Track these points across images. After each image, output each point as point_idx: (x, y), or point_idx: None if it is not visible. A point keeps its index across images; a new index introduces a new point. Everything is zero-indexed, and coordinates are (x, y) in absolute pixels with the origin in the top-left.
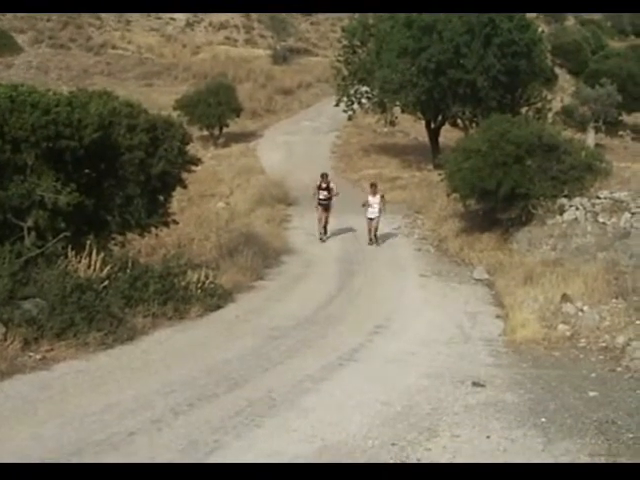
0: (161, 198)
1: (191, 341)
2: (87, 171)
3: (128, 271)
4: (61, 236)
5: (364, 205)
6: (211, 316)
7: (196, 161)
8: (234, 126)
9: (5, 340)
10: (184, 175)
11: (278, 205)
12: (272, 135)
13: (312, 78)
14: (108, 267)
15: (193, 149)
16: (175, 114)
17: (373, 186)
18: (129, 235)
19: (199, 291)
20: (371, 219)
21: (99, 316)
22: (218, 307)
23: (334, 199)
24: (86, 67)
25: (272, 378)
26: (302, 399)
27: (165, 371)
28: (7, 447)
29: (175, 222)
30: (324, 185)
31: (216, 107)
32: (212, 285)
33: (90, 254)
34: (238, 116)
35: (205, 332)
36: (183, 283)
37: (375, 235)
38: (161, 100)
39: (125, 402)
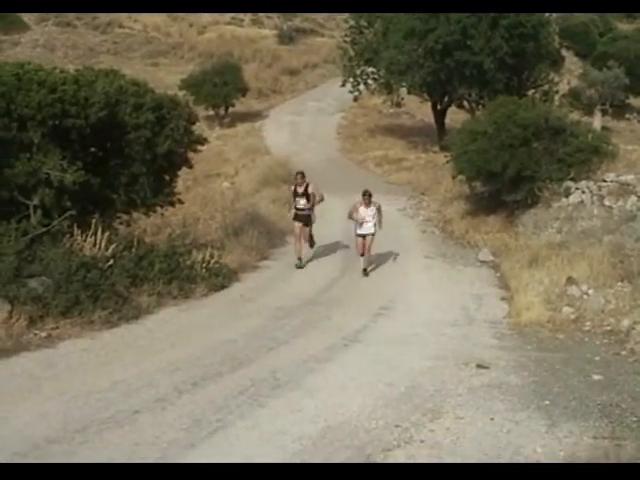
0: (167, 177)
1: (196, 320)
2: (93, 150)
3: (133, 250)
4: (67, 214)
5: (352, 218)
6: (216, 295)
7: (202, 141)
8: (240, 106)
9: (11, 318)
10: (190, 154)
11: (283, 185)
12: (278, 115)
13: (318, 58)
14: (113, 246)
15: (199, 129)
16: (181, 93)
17: (366, 195)
18: (134, 214)
19: (204, 270)
20: (363, 236)
21: (104, 295)
22: (223, 287)
23: (317, 208)
24: (92, 46)
25: (276, 358)
26: (306, 379)
27: (170, 350)
28: (13, 424)
29: (180, 201)
30: (301, 190)
31: (222, 87)
32: (217, 265)
33: (96, 233)
34: (244, 96)
35: (210, 311)
36: (188, 262)
37: (368, 260)
38: (167, 79)
39: (130, 380)
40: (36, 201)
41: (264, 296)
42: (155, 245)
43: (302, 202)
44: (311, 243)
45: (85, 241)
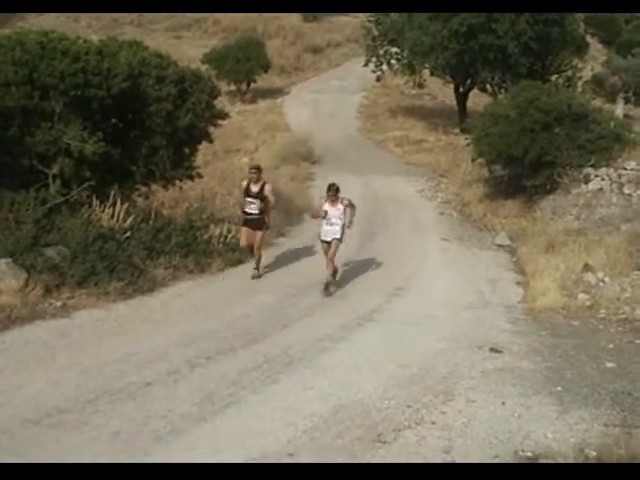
0: (186, 151)
1: (211, 295)
2: (114, 121)
3: (151, 222)
4: (85, 185)
5: (315, 217)
6: (232, 271)
7: (223, 115)
8: (262, 82)
9: (27, 286)
10: (210, 129)
11: (303, 163)
12: (299, 93)
13: (342, 37)
14: (131, 218)
15: (220, 103)
16: (204, 68)
17: (332, 190)
18: (153, 187)
19: (221, 245)
20: (327, 242)
21: (120, 266)
22: (239, 262)
23: (273, 214)
24: (116, 17)
25: (290, 335)
26: (319, 358)
27: (184, 323)
28: (26, 392)
29: (199, 176)
30: (255, 189)
31: (245, 62)
32: (234, 240)
33: (114, 204)
34: (266, 72)
35: (225, 286)
36: (205, 237)
37: (334, 271)
38: (190, 53)
39: (143, 352)
40: (55, 170)
41: (280, 273)
42: (173, 218)
43: (254, 205)
44: (258, 262)
45: (103, 212)
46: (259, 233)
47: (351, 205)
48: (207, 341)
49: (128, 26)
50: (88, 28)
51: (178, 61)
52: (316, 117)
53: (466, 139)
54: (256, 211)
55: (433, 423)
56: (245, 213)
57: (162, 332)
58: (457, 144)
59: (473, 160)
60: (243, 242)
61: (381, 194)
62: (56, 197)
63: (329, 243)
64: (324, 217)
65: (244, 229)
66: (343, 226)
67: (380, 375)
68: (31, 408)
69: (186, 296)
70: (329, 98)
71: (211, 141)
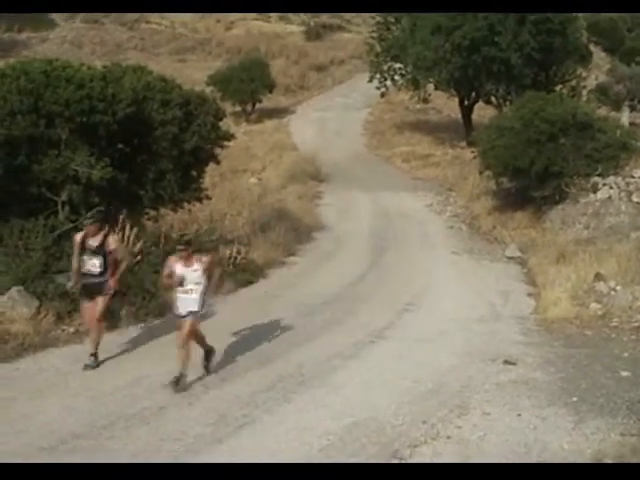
0: (194, 173)
1: (222, 316)
2: (120, 146)
3: (161, 246)
4: (94, 211)
5: (166, 286)
6: (242, 291)
7: (229, 137)
8: (267, 102)
9: (39, 314)
10: (217, 150)
11: (310, 181)
12: (305, 111)
13: (345, 55)
14: (141, 242)
15: (226, 125)
16: (208, 90)
17: (183, 246)
18: (162, 210)
19: (231, 267)
20: (183, 317)
21: (131, 290)
22: (250, 282)
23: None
24: (120, 42)
25: (302, 354)
26: (332, 376)
27: (196, 345)
28: (40, 419)
29: (207, 197)
30: (93, 243)
31: (249, 83)
32: (244, 261)
33: (123, 229)
34: (271, 92)
35: (236, 307)
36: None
37: (184, 361)
38: (194, 75)
39: (156, 376)
40: (64, 197)
41: (290, 292)
42: None
43: (93, 262)
44: (96, 343)
45: (112, 237)
46: (100, 298)
47: (212, 264)
48: (220, 362)
49: (132, 51)
50: (92, 54)
51: (183, 84)
52: (322, 135)
53: (472, 152)
54: (95, 271)
55: (449, 438)
56: (82, 274)
57: (174, 355)
58: (464, 157)
59: (480, 173)
60: (83, 314)
61: (390, 210)
62: (65, 224)
63: (184, 318)
64: (179, 282)
65: (84, 302)
66: (201, 296)
67: (393, 392)
68: (46, 435)
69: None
70: (335, 116)
71: (218, 162)
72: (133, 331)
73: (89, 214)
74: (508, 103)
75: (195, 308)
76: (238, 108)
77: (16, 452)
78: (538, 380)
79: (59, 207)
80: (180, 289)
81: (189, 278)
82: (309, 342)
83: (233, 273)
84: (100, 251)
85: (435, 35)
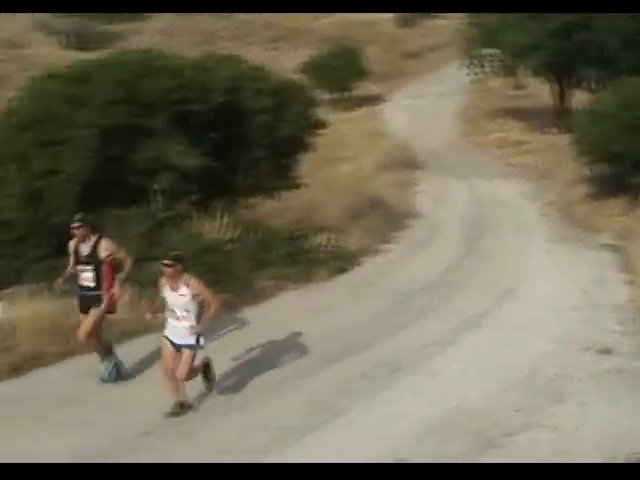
0: (287, 161)
1: (317, 304)
2: (214, 135)
3: (255, 234)
4: (190, 199)
5: (153, 313)
6: (337, 279)
7: (321, 125)
8: (359, 90)
9: (138, 300)
10: (309, 139)
11: (404, 169)
12: (397, 99)
13: (438, 41)
14: (235, 230)
15: (318, 113)
16: (301, 78)
17: (170, 265)
18: (256, 198)
19: (325, 254)
20: (174, 345)
21: (226, 278)
22: (344, 270)
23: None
24: (213, 31)
25: (397, 341)
26: (427, 363)
27: (290, 333)
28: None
29: (301, 185)
30: (86, 249)
31: (341, 70)
32: (338, 248)
33: (219, 217)
34: (363, 80)
35: (331, 295)
36: (309, 246)
37: (181, 399)
38: (287, 64)
39: (244, 362)
40: (160, 186)
41: (385, 280)
42: (276, 229)
43: (86, 274)
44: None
45: (207, 225)
46: (91, 318)
47: (203, 290)
48: (315, 350)
49: (224, 41)
50: (185, 45)
51: (275, 73)
52: (415, 122)
53: (567, 138)
54: (89, 282)
55: (544, 426)
56: (81, 288)
57: (268, 342)
58: (558, 144)
59: (575, 160)
60: (81, 335)
61: (484, 197)
62: (161, 212)
63: (176, 347)
64: (168, 308)
65: (82, 317)
66: (195, 324)
67: (489, 379)
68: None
69: (291, 306)
70: (428, 103)
71: (310, 150)
72: (227, 319)
73: (76, 216)
74: (604, 88)
75: (191, 342)
76: (330, 96)
77: None
78: (634, 369)
79: (155, 195)
80: (170, 314)
81: (177, 303)
82: (404, 329)
83: (327, 261)
84: (91, 260)
85: (529, 20)
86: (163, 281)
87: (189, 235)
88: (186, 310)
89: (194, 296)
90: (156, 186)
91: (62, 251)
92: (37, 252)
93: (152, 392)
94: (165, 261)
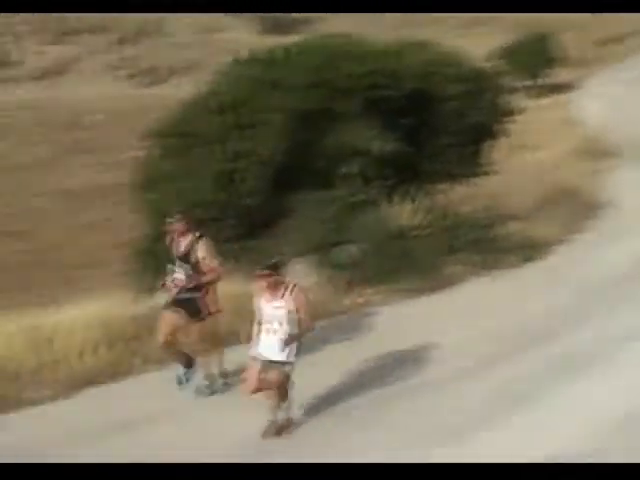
0: (476, 148)
1: (505, 291)
2: (405, 120)
3: (443, 220)
4: (384, 184)
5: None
6: (526, 267)
7: (512, 112)
8: (550, 77)
9: (329, 282)
10: (499, 126)
11: (598, 157)
12: (591, 86)
13: (632, 29)
14: (425, 216)
15: (510, 99)
16: (493, 64)
17: (268, 269)
18: (443, 185)
19: (514, 242)
20: (270, 363)
21: (417, 263)
22: (534, 258)
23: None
24: (408, 16)
25: (588, 332)
26: (620, 355)
27: (478, 320)
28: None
29: (490, 172)
30: (182, 246)
31: (533, 57)
32: (527, 236)
33: (411, 202)
34: (554, 67)
35: (519, 283)
36: (498, 233)
37: (284, 424)
38: (478, 50)
39: (435, 350)
40: (352, 170)
41: (576, 269)
42: (465, 215)
43: (180, 274)
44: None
45: (397, 210)
46: (196, 323)
47: (304, 303)
48: (501, 338)
49: (418, 27)
50: (378, 29)
51: (467, 59)
52: (611, 112)
53: None
54: (183, 282)
55: None
56: (175, 291)
57: (455, 329)
58: None
59: None
60: (160, 337)
61: None
62: (353, 196)
63: (272, 366)
64: (260, 321)
65: (165, 313)
66: (294, 337)
67: None
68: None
69: (480, 293)
70: (624, 91)
71: (501, 138)
72: (414, 304)
73: (175, 211)
74: None
75: (282, 358)
76: (523, 83)
77: None
78: None
79: (344, 180)
80: (261, 327)
81: (272, 315)
82: (596, 319)
83: (517, 248)
84: (186, 259)
85: None
86: (257, 290)
87: (382, 219)
88: (280, 322)
89: (291, 311)
90: (345, 170)
91: (253, 233)
92: (230, 232)
93: None
94: (261, 271)
